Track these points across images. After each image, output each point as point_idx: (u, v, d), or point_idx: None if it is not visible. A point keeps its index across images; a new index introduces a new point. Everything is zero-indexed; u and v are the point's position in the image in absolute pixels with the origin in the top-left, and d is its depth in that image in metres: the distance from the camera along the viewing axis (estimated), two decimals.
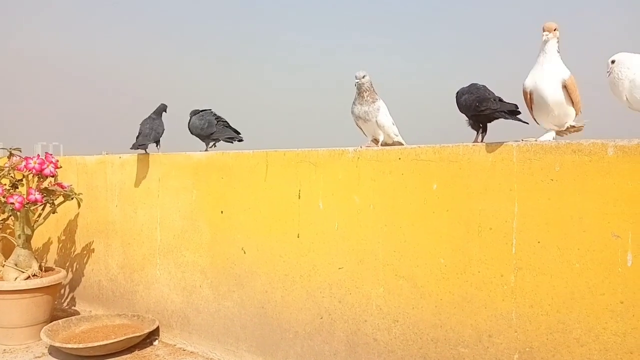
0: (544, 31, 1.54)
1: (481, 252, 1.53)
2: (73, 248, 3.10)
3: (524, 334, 1.46)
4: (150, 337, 2.51)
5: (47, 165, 2.57)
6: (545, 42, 1.54)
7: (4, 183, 2.66)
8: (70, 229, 3.10)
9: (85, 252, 3.02)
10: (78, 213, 3.01)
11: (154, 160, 2.60)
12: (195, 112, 2.51)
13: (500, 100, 1.65)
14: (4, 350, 2.47)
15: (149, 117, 2.62)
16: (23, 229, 2.62)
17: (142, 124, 2.59)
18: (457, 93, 1.76)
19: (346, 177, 1.85)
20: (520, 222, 1.46)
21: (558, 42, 1.55)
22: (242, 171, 2.19)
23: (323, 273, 1.92)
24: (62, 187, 2.65)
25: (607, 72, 1.45)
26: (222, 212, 2.27)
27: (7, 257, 2.69)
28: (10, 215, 2.63)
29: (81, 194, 2.72)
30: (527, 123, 1.59)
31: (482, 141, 1.67)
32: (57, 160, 2.65)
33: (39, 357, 2.38)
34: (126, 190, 2.74)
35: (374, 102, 1.93)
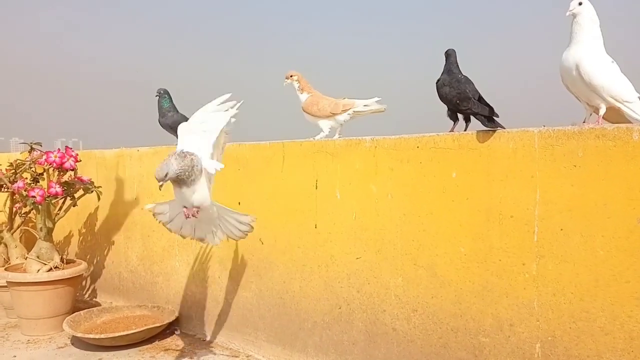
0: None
1: (502, 241, 1.51)
2: (93, 240, 3.14)
3: (546, 322, 1.44)
4: (170, 328, 2.53)
5: (68, 159, 2.61)
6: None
7: (25, 177, 2.70)
8: (90, 222, 3.15)
9: (105, 244, 3.06)
10: (98, 206, 3.05)
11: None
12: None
13: (480, 99, 1.64)
14: (28, 340, 2.52)
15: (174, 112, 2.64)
16: (45, 221, 2.66)
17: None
18: (438, 82, 1.73)
19: (363, 167, 1.84)
20: (542, 210, 1.43)
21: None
22: (259, 162, 2.19)
23: (341, 263, 1.91)
24: (82, 180, 2.68)
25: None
26: (239, 203, 2.27)
27: (29, 249, 2.74)
28: (32, 209, 2.67)
29: (100, 187, 2.76)
30: (504, 127, 1.56)
31: (465, 130, 1.68)
32: (77, 154, 2.68)
33: (62, 347, 2.42)
34: (145, 183, 2.77)
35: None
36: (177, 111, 2.69)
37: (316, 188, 1.98)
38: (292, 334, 2.09)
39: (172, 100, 2.71)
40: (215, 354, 2.28)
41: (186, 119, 2.68)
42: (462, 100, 1.65)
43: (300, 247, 2.04)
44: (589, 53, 1.44)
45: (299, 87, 2.17)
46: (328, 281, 1.96)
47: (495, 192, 1.52)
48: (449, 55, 1.76)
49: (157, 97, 2.68)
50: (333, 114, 2.12)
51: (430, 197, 1.66)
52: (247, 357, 2.23)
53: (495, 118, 1.61)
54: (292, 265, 2.08)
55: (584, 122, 1.51)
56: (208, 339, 2.43)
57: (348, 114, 2.10)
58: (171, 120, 2.66)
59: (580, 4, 1.46)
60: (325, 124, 2.11)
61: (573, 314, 1.39)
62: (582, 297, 1.38)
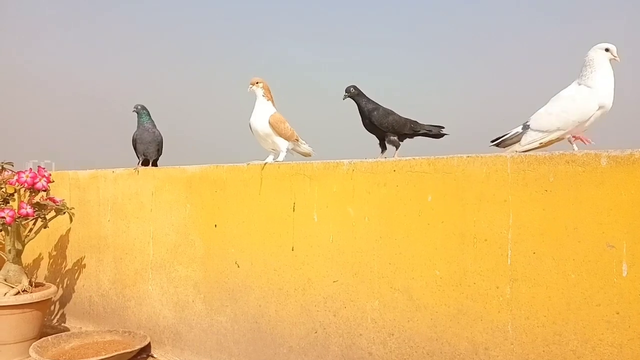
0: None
1: (476, 264, 1.53)
2: (64, 263, 3.06)
3: (520, 346, 1.45)
4: (141, 354, 2.46)
5: (40, 179, 2.55)
6: None
7: None
8: (61, 244, 3.07)
9: (76, 267, 2.98)
10: (70, 228, 2.98)
11: (147, 174, 2.59)
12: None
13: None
14: None
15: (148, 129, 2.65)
16: (14, 243, 2.59)
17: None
18: (370, 110, 1.98)
19: (341, 190, 1.85)
20: (515, 233, 1.46)
21: None
22: (236, 184, 2.18)
23: (318, 286, 1.90)
24: (54, 201, 2.63)
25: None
26: (215, 225, 2.25)
27: None
28: (1, 230, 2.60)
29: (73, 208, 2.70)
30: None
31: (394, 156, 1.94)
32: (50, 175, 2.63)
33: None
34: (119, 205, 2.72)
35: None
36: (155, 127, 2.70)
37: (294, 211, 1.98)
38: None
39: (150, 116, 2.71)
40: None
41: (161, 137, 2.70)
42: (414, 123, 1.99)
43: (277, 270, 2.03)
44: None
45: (263, 94, 2.15)
46: (304, 305, 1.94)
47: (469, 216, 1.54)
48: (359, 91, 2.03)
49: (138, 113, 2.68)
50: (296, 139, 2.17)
51: (407, 220, 1.68)
52: None
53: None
54: (268, 289, 2.05)
55: None
56: None
57: (301, 144, 2.20)
58: (152, 136, 2.66)
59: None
60: (284, 145, 2.13)
61: (546, 337, 1.41)
62: (554, 321, 1.39)
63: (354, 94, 2.01)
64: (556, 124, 1.60)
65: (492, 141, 1.80)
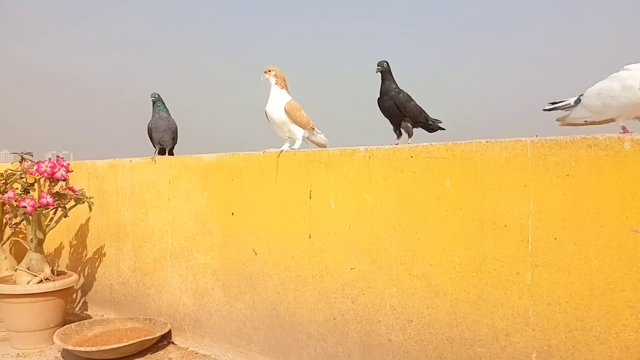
0: None
1: (496, 250, 1.51)
2: (85, 252, 3.11)
3: (542, 332, 1.44)
4: (162, 340, 2.50)
5: (59, 169, 2.59)
6: None
7: (15, 187, 2.68)
8: (81, 233, 3.12)
9: (96, 256, 3.03)
10: (89, 217, 3.02)
11: (164, 163, 2.60)
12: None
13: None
14: (18, 354, 2.48)
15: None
16: (35, 232, 2.63)
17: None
18: (396, 92, 1.95)
19: (357, 177, 1.84)
20: (536, 219, 1.44)
21: None
22: (253, 172, 2.19)
23: (335, 273, 1.90)
24: (73, 191, 2.66)
25: None
26: (232, 213, 2.26)
27: (19, 261, 2.70)
28: (23, 219, 2.64)
29: (92, 197, 2.73)
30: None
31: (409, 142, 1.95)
32: (68, 164, 2.66)
33: None
34: (137, 194, 2.75)
35: None
36: (170, 115, 2.72)
37: (310, 198, 1.97)
38: (286, 346, 2.07)
39: (165, 105, 2.73)
40: None
41: (175, 126, 2.72)
42: (427, 114, 2.00)
43: (294, 258, 2.03)
44: None
45: (276, 82, 2.14)
46: (322, 292, 1.95)
47: (488, 202, 1.52)
48: (389, 68, 1.99)
49: (154, 102, 2.70)
50: (312, 127, 2.15)
51: (424, 206, 1.67)
52: None
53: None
54: (286, 276, 2.06)
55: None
56: (201, 351, 2.40)
57: (316, 133, 2.19)
58: (167, 125, 2.68)
59: None
60: (300, 133, 2.12)
61: (568, 323, 1.39)
62: (577, 306, 1.38)
63: (386, 69, 1.97)
64: (600, 106, 1.51)
65: (550, 103, 1.69)
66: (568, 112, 1.65)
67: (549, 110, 1.70)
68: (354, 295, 1.85)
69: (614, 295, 1.32)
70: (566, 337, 1.39)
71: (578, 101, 1.60)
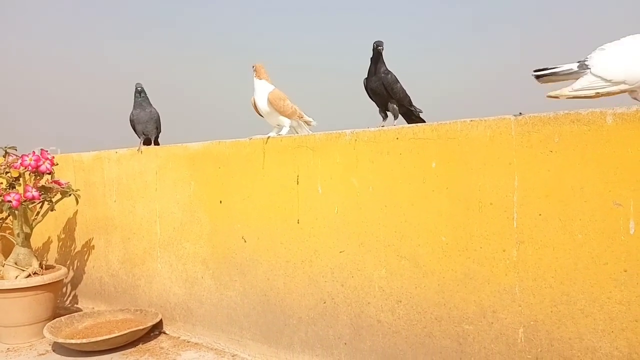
0: None
1: (482, 228, 1.52)
2: (73, 245, 3.09)
3: (528, 307, 1.45)
4: (153, 330, 2.50)
5: (43, 162, 2.56)
6: None
7: (0, 182, 2.64)
8: (69, 226, 3.09)
9: (85, 248, 3.01)
10: (77, 210, 3.00)
11: (150, 153, 2.58)
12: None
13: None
14: (8, 349, 2.46)
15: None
16: (22, 227, 2.61)
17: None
18: (385, 72, 1.94)
19: (344, 160, 1.84)
20: (520, 196, 1.45)
21: None
22: (239, 159, 2.18)
23: (324, 257, 1.91)
24: (59, 184, 2.63)
25: None
26: (220, 202, 2.26)
27: (7, 256, 2.68)
28: (9, 214, 2.62)
29: (79, 190, 2.71)
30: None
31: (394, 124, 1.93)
32: (53, 157, 2.63)
33: (42, 354, 2.37)
34: (124, 185, 2.73)
35: None
36: (151, 105, 2.70)
37: (297, 183, 1.97)
38: (278, 331, 2.08)
39: (146, 94, 2.70)
40: (200, 354, 2.25)
41: (157, 115, 2.70)
42: (410, 100, 1.99)
43: (284, 243, 2.03)
44: None
45: (255, 75, 2.16)
46: (312, 276, 1.95)
47: (474, 180, 1.53)
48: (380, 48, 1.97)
49: (140, 92, 2.67)
50: (299, 116, 2.15)
51: (411, 187, 1.67)
52: (232, 356, 2.21)
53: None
54: (276, 262, 2.06)
55: None
56: (193, 340, 2.40)
57: (302, 124, 2.19)
58: (149, 115, 2.66)
59: None
60: (287, 122, 2.13)
61: (554, 297, 1.41)
62: (562, 281, 1.39)
63: (382, 50, 1.96)
64: (623, 75, 1.32)
65: (535, 71, 1.48)
66: (566, 78, 1.45)
67: (540, 77, 1.48)
68: (343, 279, 1.86)
69: (598, 268, 1.34)
70: (552, 311, 1.41)
71: (584, 67, 1.39)
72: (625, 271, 1.30)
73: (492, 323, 1.52)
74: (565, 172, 1.38)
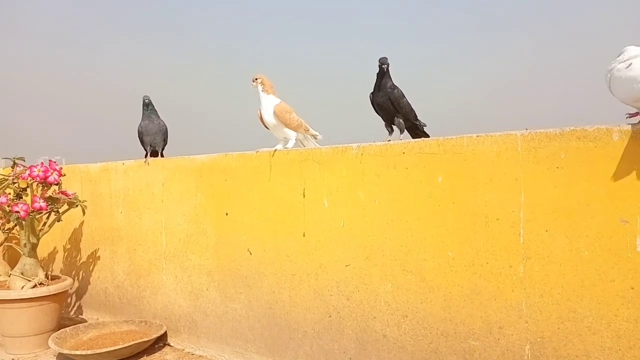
0: None
1: (489, 243, 1.52)
2: (79, 256, 3.10)
3: (535, 324, 1.45)
4: (158, 342, 2.50)
5: (51, 173, 2.58)
6: None
7: (8, 192, 2.66)
8: (75, 237, 3.10)
9: (91, 259, 3.02)
10: (83, 221, 3.01)
11: (157, 165, 2.60)
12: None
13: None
14: (13, 359, 2.47)
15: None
16: (29, 237, 2.62)
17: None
18: (392, 87, 1.96)
19: (350, 174, 1.84)
20: (527, 212, 1.45)
21: None
22: (246, 172, 2.19)
23: (330, 271, 1.91)
24: (66, 194, 2.65)
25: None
26: (227, 214, 2.27)
27: (13, 266, 2.69)
28: (16, 225, 2.63)
29: (85, 201, 2.73)
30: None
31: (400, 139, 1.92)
32: (61, 168, 2.65)
33: None
34: (130, 196, 2.74)
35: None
36: (159, 117, 2.73)
37: (304, 196, 1.98)
38: (283, 345, 2.07)
39: (154, 107, 2.73)
40: None
41: (165, 127, 2.73)
42: (415, 115, 2.02)
43: (289, 256, 2.04)
44: None
45: (262, 89, 2.17)
46: (318, 290, 1.95)
47: (480, 196, 1.54)
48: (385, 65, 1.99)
49: (147, 104, 2.70)
50: (305, 129, 2.16)
51: (417, 202, 1.68)
52: None
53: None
54: (281, 275, 2.07)
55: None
56: (197, 352, 2.40)
57: (309, 137, 2.20)
58: (157, 127, 2.68)
59: None
60: (293, 135, 2.14)
61: (561, 314, 1.40)
62: (569, 298, 1.39)
63: (386, 68, 1.98)
64: None
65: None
66: None
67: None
68: (348, 292, 1.86)
69: (605, 285, 1.33)
70: (559, 328, 1.41)
71: None
72: (632, 288, 1.30)
73: (498, 339, 1.51)
74: (571, 189, 1.38)
